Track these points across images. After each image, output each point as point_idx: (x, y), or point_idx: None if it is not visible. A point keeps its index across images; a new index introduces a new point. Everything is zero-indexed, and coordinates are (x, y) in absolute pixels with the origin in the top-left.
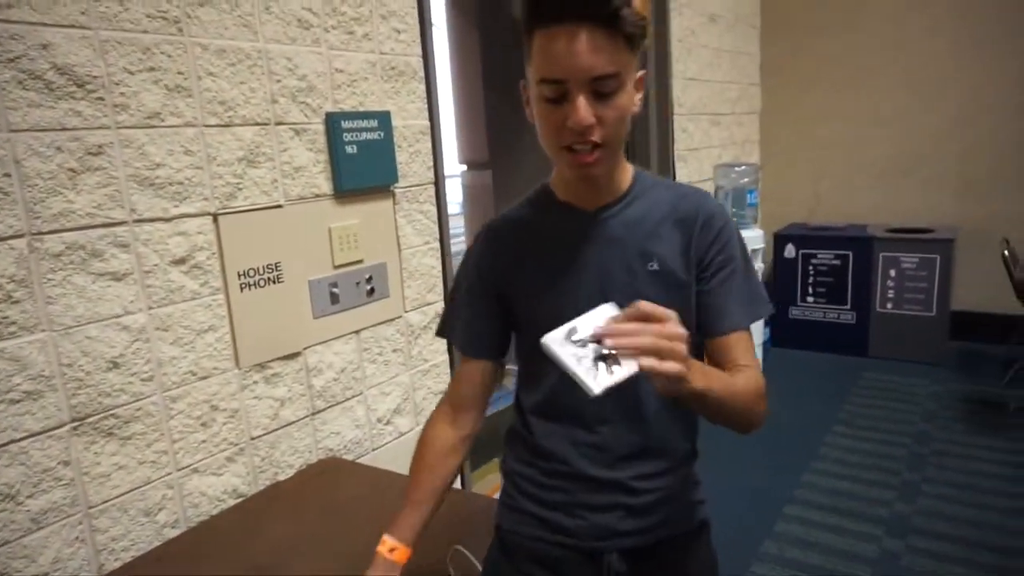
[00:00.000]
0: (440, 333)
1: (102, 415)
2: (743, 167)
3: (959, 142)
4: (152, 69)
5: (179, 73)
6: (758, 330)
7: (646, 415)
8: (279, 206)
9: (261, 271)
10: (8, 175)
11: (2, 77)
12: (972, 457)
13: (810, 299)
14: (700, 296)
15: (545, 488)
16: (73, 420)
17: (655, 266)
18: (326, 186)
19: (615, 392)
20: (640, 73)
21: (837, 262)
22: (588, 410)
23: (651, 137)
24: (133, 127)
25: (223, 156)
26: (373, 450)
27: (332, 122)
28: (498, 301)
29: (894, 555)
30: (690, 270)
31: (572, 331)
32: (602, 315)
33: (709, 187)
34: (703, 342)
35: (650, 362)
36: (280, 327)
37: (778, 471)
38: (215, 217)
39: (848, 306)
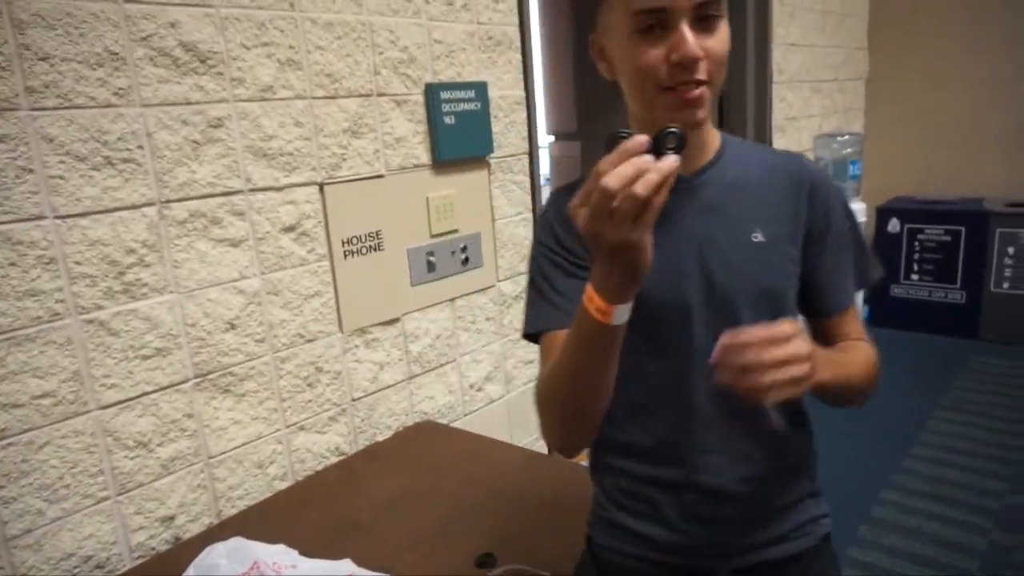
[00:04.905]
0: (529, 334)
1: (220, 373)
2: (846, 136)
3: None
4: (266, 44)
5: (290, 47)
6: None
7: (757, 419)
8: (380, 176)
9: (363, 239)
10: (141, 147)
11: (136, 55)
12: None
13: (914, 277)
14: (808, 273)
15: (636, 497)
16: (196, 376)
17: (759, 237)
18: (425, 156)
19: None
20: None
21: (947, 238)
22: (687, 408)
23: (748, 107)
24: (249, 100)
25: (329, 127)
26: (465, 415)
27: (431, 93)
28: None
29: (1005, 549)
30: (796, 241)
31: None
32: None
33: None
34: (809, 319)
35: (780, 394)
36: (380, 293)
37: (873, 455)
38: (321, 186)
39: (957, 285)
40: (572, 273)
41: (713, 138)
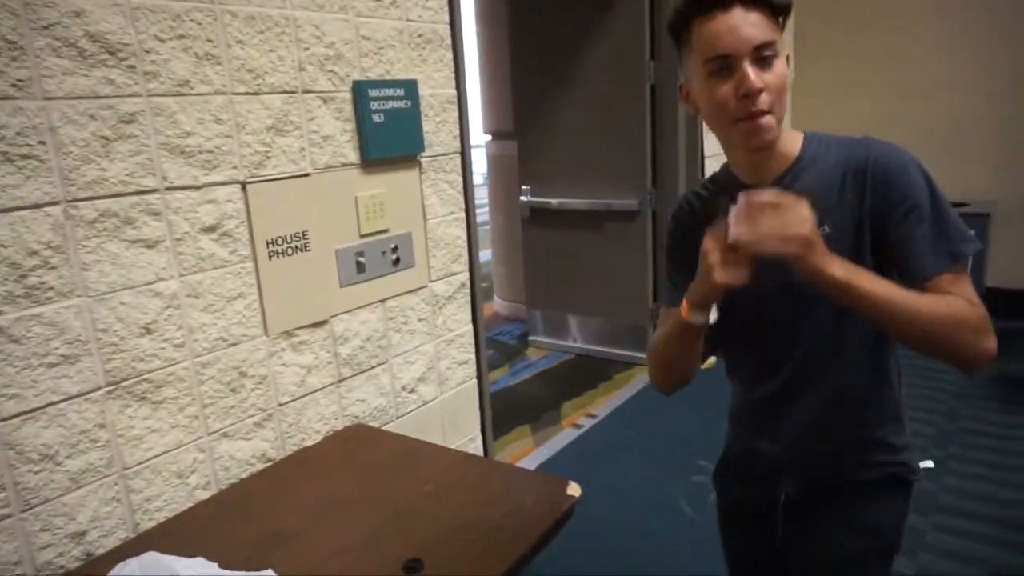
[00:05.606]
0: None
1: (136, 380)
2: None
3: (997, 113)
4: (182, 37)
5: (208, 40)
6: None
7: (833, 370)
8: (306, 175)
9: (289, 239)
10: (43, 143)
11: (36, 44)
12: (1002, 436)
13: None
14: (889, 249)
15: (744, 412)
16: (108, 384)
17: (827, 229)
18: (353, 155)
19: None
20: (786, 53)
21: None
22: (775, 359)
23: (679, 138)
24: (164, 95)
25: (252, 125)
26: (397, 417)
27: (359, 90)
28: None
29: (919, 532)
30: (863, 228)
31: None
32: None
33: None
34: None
35: (769, 245)
36: (307, 295)
37: None
38: (244, 185)
39: None
40: (692, 269)
41: (790, 148)
